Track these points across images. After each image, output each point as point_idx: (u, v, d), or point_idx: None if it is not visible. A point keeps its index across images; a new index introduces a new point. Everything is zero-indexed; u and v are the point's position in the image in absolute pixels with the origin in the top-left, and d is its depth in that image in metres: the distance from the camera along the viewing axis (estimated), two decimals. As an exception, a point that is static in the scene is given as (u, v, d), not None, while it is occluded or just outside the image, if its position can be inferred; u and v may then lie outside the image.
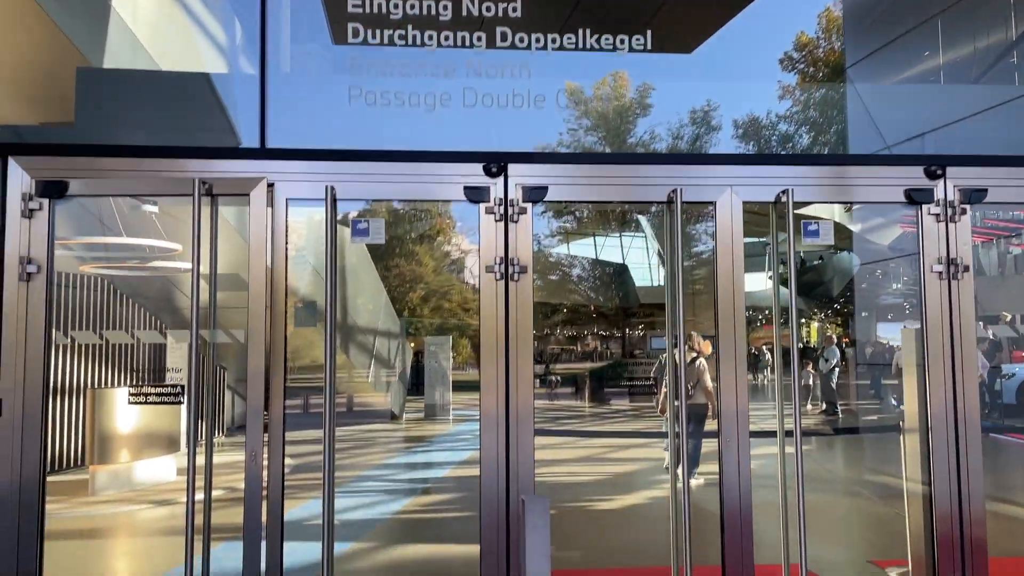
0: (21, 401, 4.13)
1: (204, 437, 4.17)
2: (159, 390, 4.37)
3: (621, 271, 38.00)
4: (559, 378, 26.92)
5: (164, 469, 9.51)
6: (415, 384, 20.60)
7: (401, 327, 18.15)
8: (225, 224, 4.68)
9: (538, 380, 29.55)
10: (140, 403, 4.50)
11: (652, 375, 9.31)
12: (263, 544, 4.24)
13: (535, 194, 4.46)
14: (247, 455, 4.26)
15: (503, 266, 4.42)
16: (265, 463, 4.23)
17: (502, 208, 4.44)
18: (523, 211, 4.45)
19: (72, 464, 10.66)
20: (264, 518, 4.20)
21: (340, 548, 6.37)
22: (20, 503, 4.10)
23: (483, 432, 4.39)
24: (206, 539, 4.24)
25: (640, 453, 11.97)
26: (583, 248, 37.68)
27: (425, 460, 11.77)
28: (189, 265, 9.18)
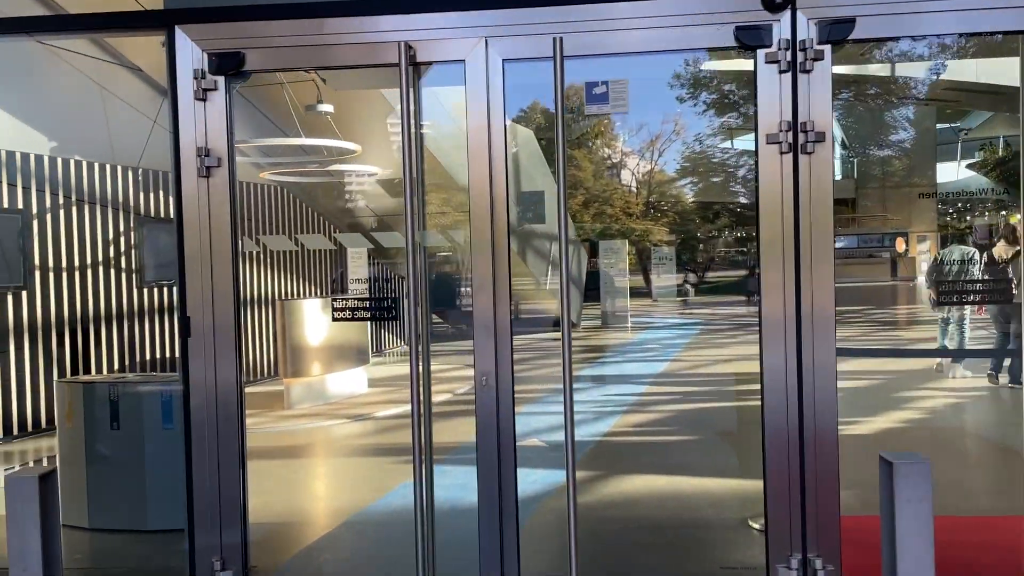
0: (211, 315, 3.54)
1: (423, 351, 3.44)
2: (369, 303, 3.59)
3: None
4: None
5: (356, 382, 9.26)
6: (591, 291, 19.81)
7: (576, 231, 17.23)
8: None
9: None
10: (347, 319, 3.80)
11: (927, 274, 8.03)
12: (498, 473, 3.55)
13: (838, 31, 3.23)
14: (477, 380, 3.51)
15: (790, 133, 3.28)
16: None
17: (789, 54, 3.27)
18: (818, 56, 3.26)
19: (261, 375, 10.71)
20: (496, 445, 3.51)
21: (552, 477, 5.66)
22: (219, 425, 3.56)
23: (766, 345, 3.40)
24: (429, 461, 3.62)
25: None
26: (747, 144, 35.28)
27: (618, 372, 10.96)
28: (371, 168, 8.60)
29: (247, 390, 9.78)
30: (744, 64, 3.61)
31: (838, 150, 34.17)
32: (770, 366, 3.38)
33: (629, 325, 17.35)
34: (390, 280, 14.33)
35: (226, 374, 3.58)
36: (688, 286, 29.03)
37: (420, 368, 3.48)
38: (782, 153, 3.31)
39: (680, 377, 10.24)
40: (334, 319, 3.80)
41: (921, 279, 31.27)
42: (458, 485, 5.51)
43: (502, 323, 3.54)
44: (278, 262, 11.20)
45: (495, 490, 3.65)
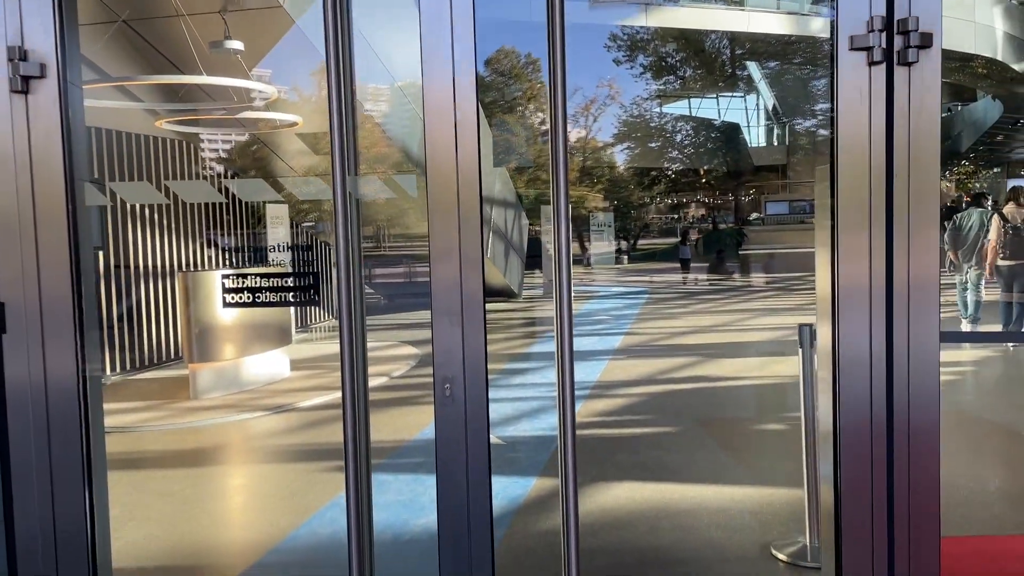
0: (36, 294, 2.38)
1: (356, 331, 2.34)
2: (280, 280, 2.43)
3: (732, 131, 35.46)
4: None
5: (276, 365, 8.07)
6: (530, 258, 18.85)
7: (517, 197, 16.16)
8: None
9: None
10: (242, 304, 2.67)
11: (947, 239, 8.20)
12: (466, 518, 2.54)
13: None
14: (437, 387, 2.48)
15: (884, 35, 2.31)
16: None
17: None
18: (927, -81, 2.28)
19: (163, 359, 9.40)
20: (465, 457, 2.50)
21: (516, 488, 4.67)
22: (51, 436, 2.46)
23: (842, 321, 2.45)
24: (365, 468, 2.62)
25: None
26: (680, 110, 35.11)
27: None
28: (290, 117, 7.34)
29: (144, 376, 8.48)
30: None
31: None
32: (848, 348, 2.43)
33: (572, 295, 16.47)
34: (312, 248, 13.02)
35: (60, 369, 2.44)
36: (623, 255, 28.46)
37: (351, 370, 2.40)
38: (871, 64, 2.32)
39: (641, 352, 9.36)
40: (225, 304, 2.64)
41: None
42: (401, 503, 4.47)
43: (472, 306, 2.50)
44: (179, 225, 9.81)
45: (464, 544, 2.61)
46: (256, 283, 2.51)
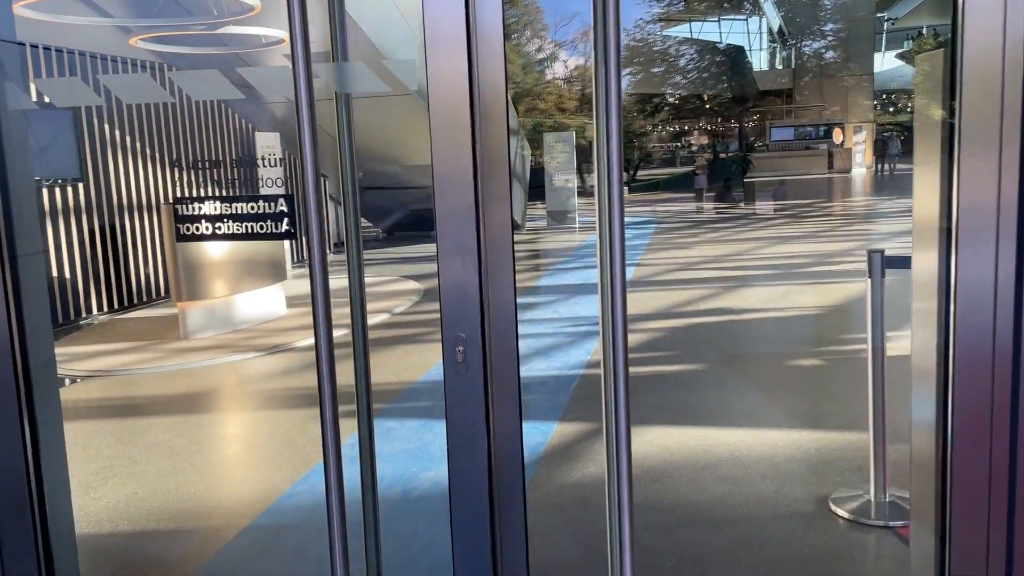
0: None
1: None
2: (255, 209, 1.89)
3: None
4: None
5: (271, 302, 7.61)
6: (533, 188, 18.23)
7: (516, 123, 15.45)
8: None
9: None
10: (197, 237, 2.16)
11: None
12: (490, 522, 2.11)
13: None
14: (447, 350, 2.02)
15: None
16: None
17: None
18: None
19: (157, 296, 8.94)
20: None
21: (535, 435, 4.26)
22: None
23: (963, 239, 1.99)
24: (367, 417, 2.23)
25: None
26: (683, 33, 34.07)
27: (580, 281, 9.55)
28: (277, 33, 6.67)
29: (132, 315, 8.04)
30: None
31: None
32: (969, 279, 1.97)
33: (577, 226, 15.96)
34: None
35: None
36: (624, 185, 27.75)
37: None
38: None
39: (655, 284, 8.90)
40: (179, 237, 2.13)
41: (857, 171, 30.90)
42: (408, 453, 4.06)
43: (498, 246, 2.03)
44: (167, 156, 9.22)
45: (483, 545, 2.19)
46: (215, 210, 2.01)
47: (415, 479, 3.69)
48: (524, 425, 4.15)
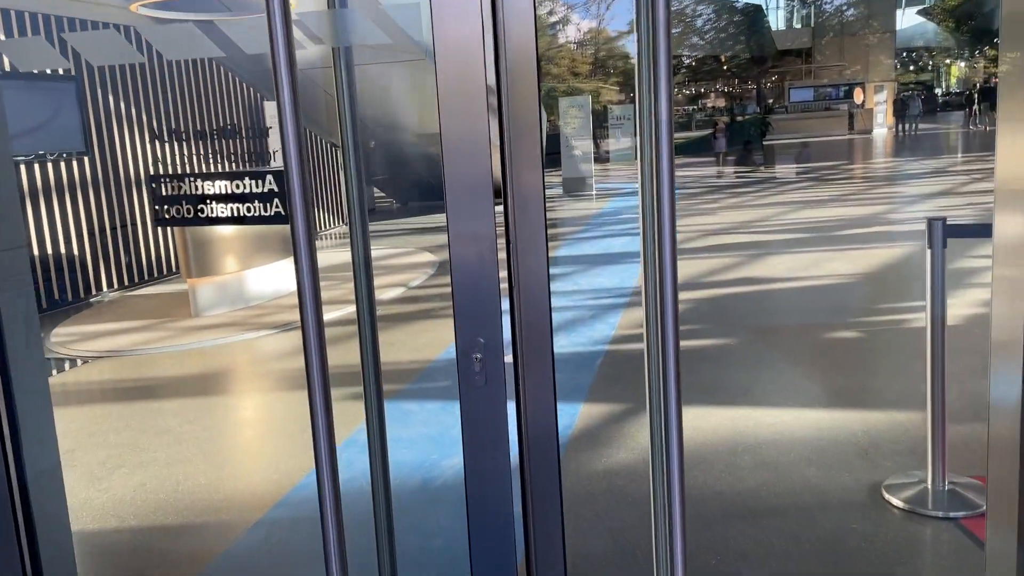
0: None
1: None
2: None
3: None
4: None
5: (282, 278, 7.41)
6: (549, 155, 17.89)
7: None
8: None
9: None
10: (177, 221, 1.93)
11: None
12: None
13: None
14: (460, 356, 1.78)
15: None
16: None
17: None
18: None
19: (167, 272, 8.77)
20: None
21: (560, 417, 4.03)
22: None
23: None
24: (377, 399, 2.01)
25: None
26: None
27: (600, 251, 9.28)
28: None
29: (142, 292, 7.87)
30: None
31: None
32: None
33: (594, 193, 15.64)
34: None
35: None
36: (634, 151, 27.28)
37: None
38: None
39: (678, 252, 8.61)
40: (157, 220, 1.88)
41: (878, 131, 30.21)
42: (428, 439, 3.85)
43: (529, 232, 1.80)
44: (169, 126, 8.98)
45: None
46: (199, 190, 1.77)
47: (436, 467, 3.49)
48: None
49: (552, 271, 7.85)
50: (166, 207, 1.79)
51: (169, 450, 3.89)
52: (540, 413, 2.02)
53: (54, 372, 5.45)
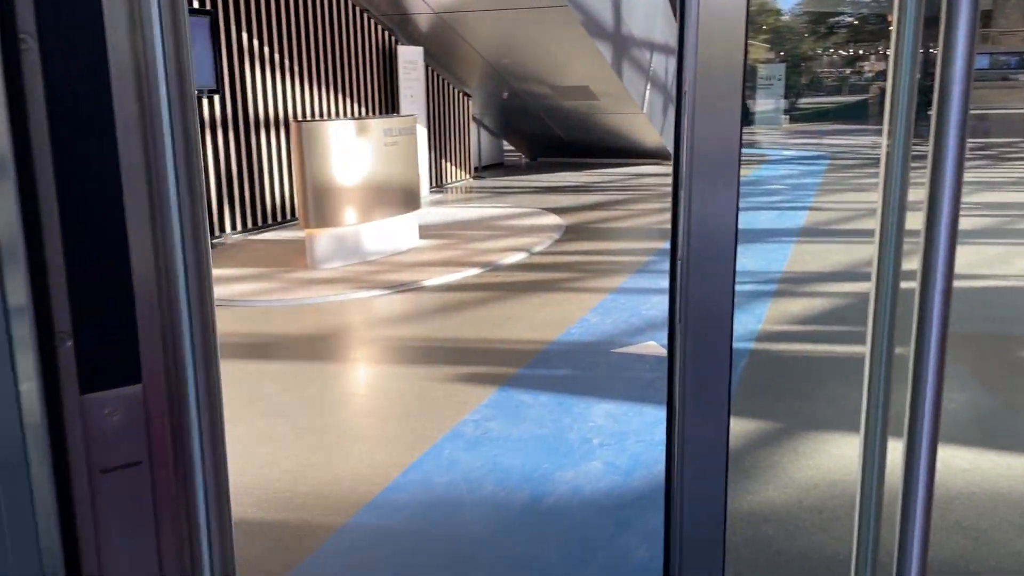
0: None
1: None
2: None
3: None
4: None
5: (402, 233, 7.08)
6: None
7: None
8: None
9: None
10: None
11: None
12: None
13: None
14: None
15: None
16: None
17: None
18: None
19: (290, 217, 8.65)
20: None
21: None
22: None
23: None
24: None
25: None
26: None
27: (744, 226, 8.43)
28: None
29: (263, 236, 7.75)
30: None
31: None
32: None
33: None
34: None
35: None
36: (786, 114, 25.45)
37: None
38: None
39: (834, 234, 7.70)
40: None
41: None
42: (540, 440, 3.34)
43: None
44: (301, 67, 8.77)
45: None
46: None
47: (547, 480, 3.01)
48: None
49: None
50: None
51: (261, 422, 3.59)
52: (704, 426, 1.52)
53: (165, 318, 5.32)
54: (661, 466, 3.11)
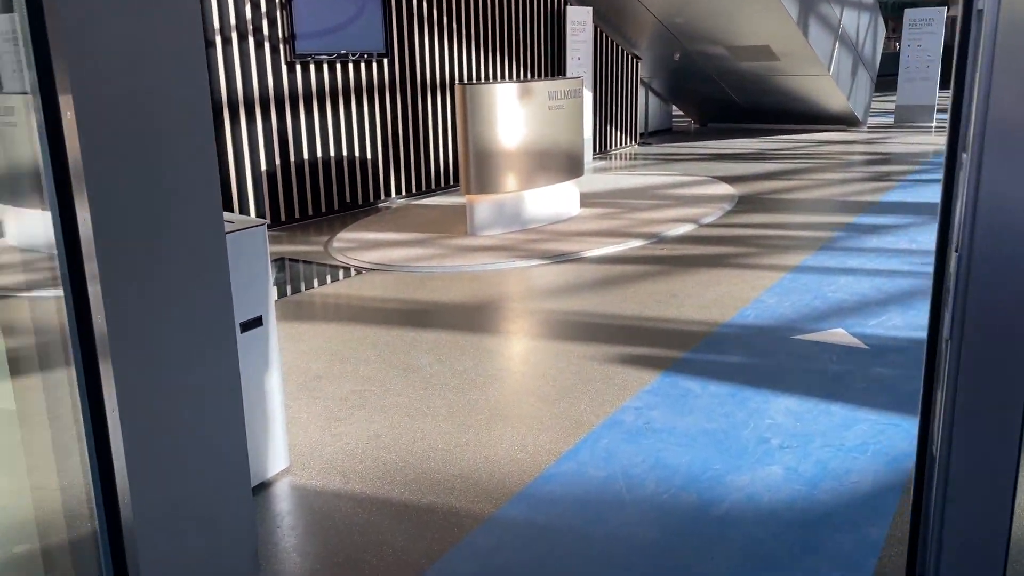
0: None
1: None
2: None
3: None
4: None
5: (563, 201, 6.83)
6: (884, 77, 15.39)
7: (872, -5, 12.75)
8: None
9: None
10: None
11: None
12: None
13: None
14: None
15: None
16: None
17: None
18: None
19: (453, 183, 8.60)
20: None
21: (896, 436, 2.98)
22: None
23: None
24: None
25: None
26: None
27: (928, 200, 7.52)
28: None
29: (426, 202, 7.75)
30: None
31: None
32: None
33: (933, 125, 13.17)
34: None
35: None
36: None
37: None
38: None
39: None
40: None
41: None
42: (709, 436, 2.98)
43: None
44: (468, 29, 8.63)
45: None
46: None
47: (718, 483, 2.67)
48: (871, 415, 2.90)
49: (884, 221, 6.40)
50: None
51: (414, 395, 3.48)
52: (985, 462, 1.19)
53: (328, 279, 5.38)
54: (853, 477, 2.70)
